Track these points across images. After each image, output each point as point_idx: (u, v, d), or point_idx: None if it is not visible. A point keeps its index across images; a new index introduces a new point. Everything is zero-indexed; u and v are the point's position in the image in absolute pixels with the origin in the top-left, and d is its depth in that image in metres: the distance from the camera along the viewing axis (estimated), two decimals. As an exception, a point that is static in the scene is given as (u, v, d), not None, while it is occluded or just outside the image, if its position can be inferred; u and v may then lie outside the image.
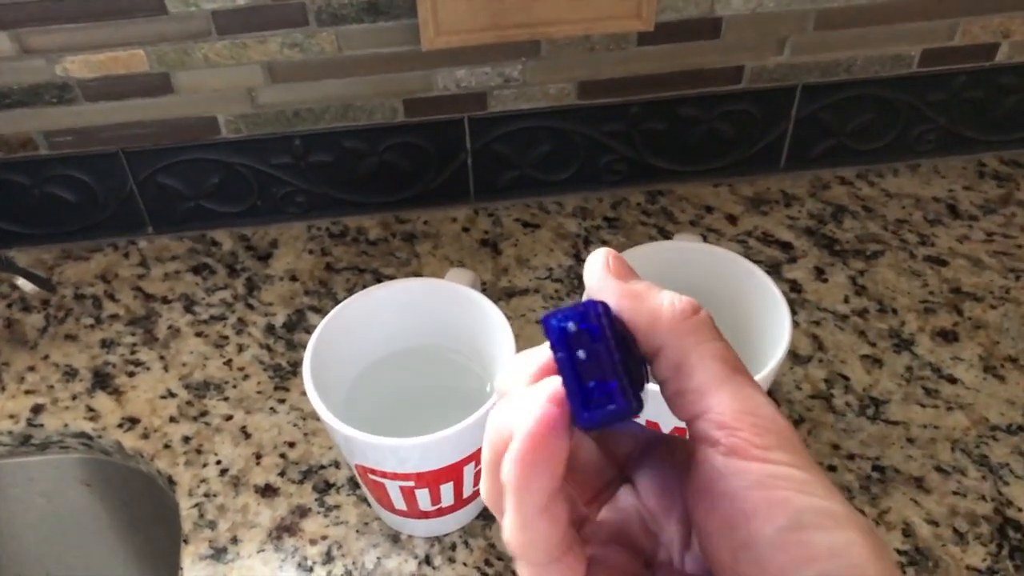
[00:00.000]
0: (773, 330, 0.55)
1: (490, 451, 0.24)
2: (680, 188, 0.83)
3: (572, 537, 0.24)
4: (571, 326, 0.23)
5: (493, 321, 0.57)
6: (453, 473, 0.54)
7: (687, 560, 0.26)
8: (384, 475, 0.54)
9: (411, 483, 0.54)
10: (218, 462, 0.65)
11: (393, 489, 0.55)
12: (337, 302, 0.75)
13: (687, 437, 0.25)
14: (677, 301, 0.25)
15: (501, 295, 0.75)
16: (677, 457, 0.27)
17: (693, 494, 0.24)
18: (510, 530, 0.23)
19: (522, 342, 0.69)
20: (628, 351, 0.24)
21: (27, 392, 0.70)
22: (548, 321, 0.23)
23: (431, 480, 0.54)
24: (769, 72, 0.77)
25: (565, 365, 0.23)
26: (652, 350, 0.24)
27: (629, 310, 0.25)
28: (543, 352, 0.24)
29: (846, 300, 0.74)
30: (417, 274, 0.77)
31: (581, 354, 0.23)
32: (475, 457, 0.55)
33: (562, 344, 0.23)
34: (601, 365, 0.23)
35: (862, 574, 0.22)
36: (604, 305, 0.24)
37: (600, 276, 0.26)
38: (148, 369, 0.71)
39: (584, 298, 0.26)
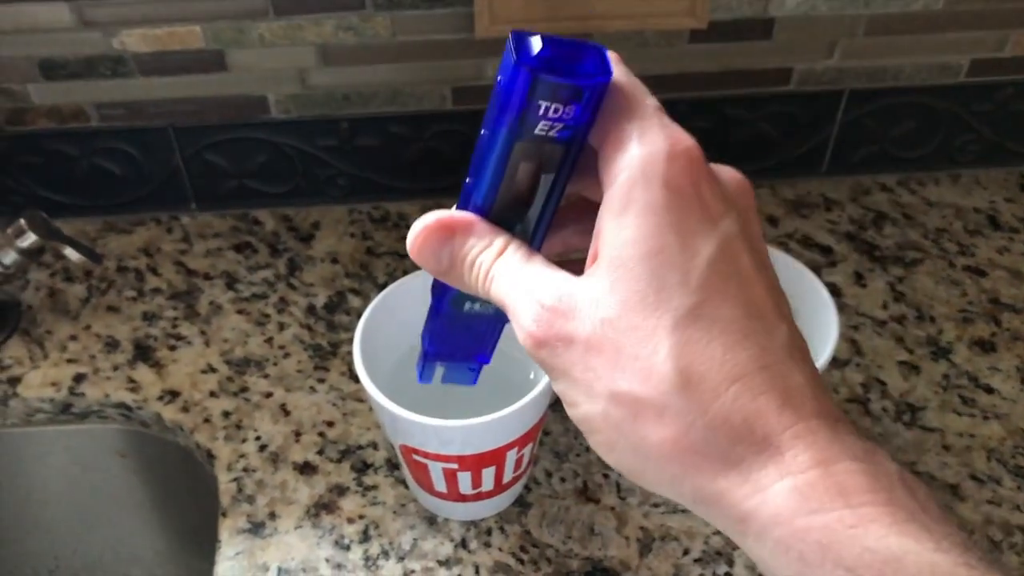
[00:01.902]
0: (822, 331, 0.55)
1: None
2: (721, 188, 0.83)
3: None
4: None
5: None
6: (496, 458, 0.55)
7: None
8: (427, 456, 0.54)
9: (454, 465, 0.55)
10: (257, 438, 0.66)
11: (435, 471, 0.56)
12: (377, 286, 0.75)
13: None
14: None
15: (541, 286, 0.75)
16: None
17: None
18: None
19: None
20: None
21: (69, 361, 0.71)
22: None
23: (474, 463, 0.55)
24: (817, 75, 0.78)
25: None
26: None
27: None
28: None
29: (884, 306, 0.74)
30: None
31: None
32: (518, 443, 0.55)
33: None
34: None
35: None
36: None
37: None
38: (189, 343, 0.72)
39: None
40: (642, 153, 0.26)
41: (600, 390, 0.27)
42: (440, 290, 0.34)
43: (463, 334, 0.36)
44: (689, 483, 0.26)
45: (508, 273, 0.29)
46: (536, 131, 0.28)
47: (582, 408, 0.28)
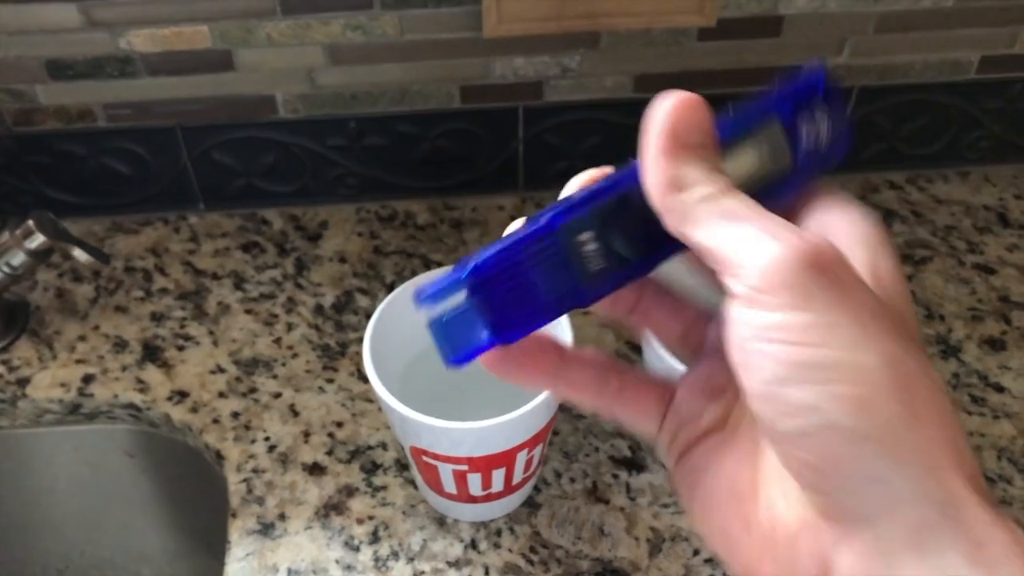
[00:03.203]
0: None
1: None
2: (729, 186, 0.82)
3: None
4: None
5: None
6: (506, 459, 0.55)
7: None
8: (437, 457, 0.54)
9: (464, 467, 0.55)
10: (266, 439, 0.66)
11: (445, 472, 0.56)
12: (385, 286, 0.75)
13: None
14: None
15: (549, 285, 0.75)
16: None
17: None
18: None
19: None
20: None
21: (77, 362, 0.71)
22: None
23: (483, 465, 0.55)
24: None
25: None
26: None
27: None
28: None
29: (894, 304, 0.74)
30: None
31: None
32: (527, 444, 0.55)
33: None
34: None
35: (838, 431, 0.22)
36: None
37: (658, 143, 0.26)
38: (198, 344, 0.72)
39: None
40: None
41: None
42: (572, 203, 0.26)
43: (535, 281, 0.26)
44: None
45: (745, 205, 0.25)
46: None
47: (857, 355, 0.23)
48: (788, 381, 0.22)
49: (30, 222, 0.68)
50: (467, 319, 0.26)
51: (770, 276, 0.23)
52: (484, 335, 0.26)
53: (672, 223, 0.25)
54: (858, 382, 0.22)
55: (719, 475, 0.27)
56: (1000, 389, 0.68)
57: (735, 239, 0.24)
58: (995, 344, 0.71)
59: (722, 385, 0.29)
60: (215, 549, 0.76)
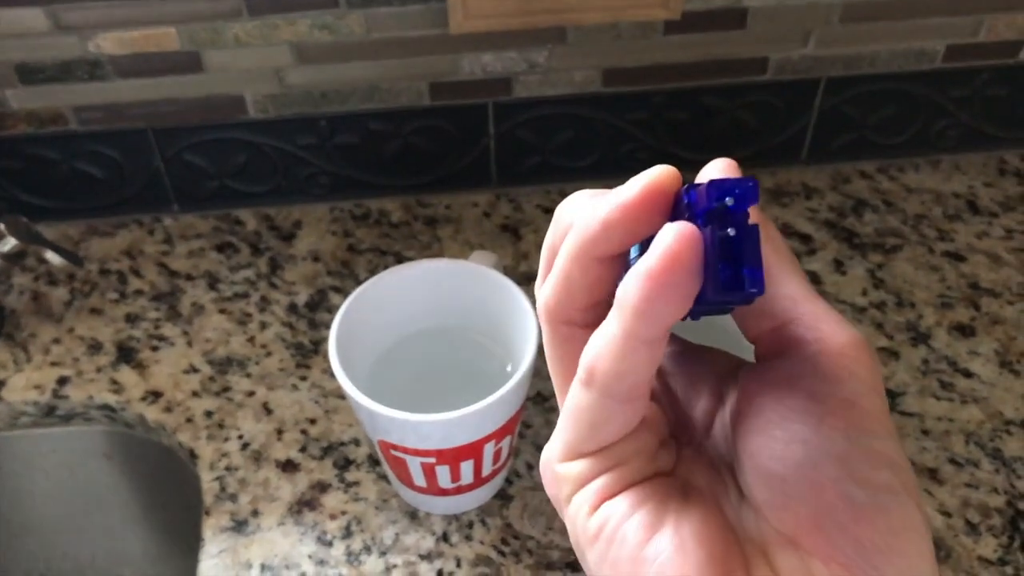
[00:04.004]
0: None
1: (563, 235, 0.24)
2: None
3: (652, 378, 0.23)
4: (728, 201, 0.21)
5: (517, 304, 0.58)
6: (473, 451, 0.55)
7: (704, 448, 0.26)
8: (406, 451, 0.55)
9: (432, 460, 0.55)
10: (240, 437, 0.66)
11: (414, 465, 0.56)
12: (359, 283, 0.76)
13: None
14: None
15: (521, 280, 0.76)
16: (706, 356, 0.27)
17: (766, 384, 0.23)
18: (602, 355, 0.22)
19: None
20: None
21: (52, 364, 0.71)
22: (695, 192, 0.22)
23: (451, 457, 0.55)
24: (794, 64, 0.78)
25: (709, 241, 0.21)
26: None
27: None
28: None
29: (864, 293, 0.75)
30: (438, 258, 0.78)
31: (730, 231, 0.21)
32: (495, 436, 0.55)
33: (712, 218, 0.21)
34: (747, 247, 0.21)
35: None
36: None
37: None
38: (172, 344, 0.72)
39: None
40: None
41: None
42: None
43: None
44: None
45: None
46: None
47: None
48: (872, 453, 0.22)
49: (2, 226, 0.68)
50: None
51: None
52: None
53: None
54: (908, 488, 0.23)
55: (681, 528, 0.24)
56: (969, 375, 0.69)
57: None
58: (964, 330, 0.72)
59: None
60: (194, 549, 0.77)
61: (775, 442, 0.23)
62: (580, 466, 0.25)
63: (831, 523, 0.22)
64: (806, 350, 0.23)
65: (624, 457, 0.25)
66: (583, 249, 0.23)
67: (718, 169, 0.23)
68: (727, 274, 0.21)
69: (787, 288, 0.24)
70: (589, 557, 0.25)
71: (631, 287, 0.20)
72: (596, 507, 0.25)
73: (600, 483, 0.25)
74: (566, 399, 0.25)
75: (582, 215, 0.23)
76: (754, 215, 0.24)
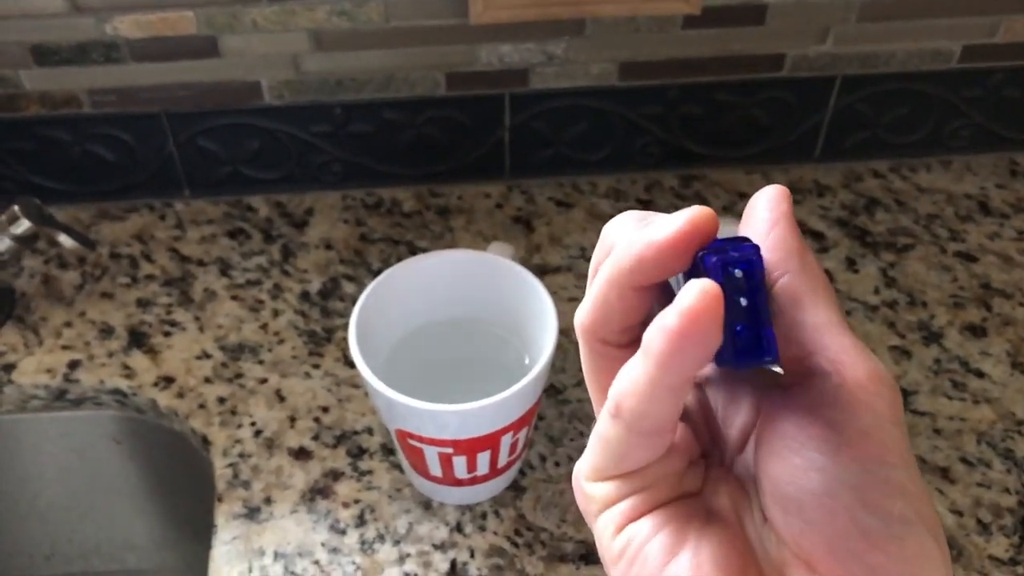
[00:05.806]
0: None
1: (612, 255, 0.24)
2: (714, 173, 0.83)
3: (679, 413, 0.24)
4: (737, 273, 0.22)
5: (535, 296, 0.58)
6: (491, 442, 0.55)
7: (736, 464, 0.27)
8: (423, 440, 0.55)
9: (449, 450, 0.55)
10: (252, 423, 0.66)
11: (431, 455, 0.56)
12: (371, 272, 0.76)
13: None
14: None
15: (534, 272, 0.76)
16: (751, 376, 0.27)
17: (788, 410, 0.24)
18: (627, 393, 0.22)
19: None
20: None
21: (64, 347, 0.71)
22: (709, 260, 0.22)
23: (468, 448, 0.55)
24: (810, 61, 0.78)
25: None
26: (772, 279, 0.24)
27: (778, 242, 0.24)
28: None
29: (876, 291, 0.75)
30: (451, 248, 0.77)
31: (742, 301, 0.22)
32: (513, 427, 0.55)
33: (723, 286, 0.22)
34: (757, 312, 0.22)
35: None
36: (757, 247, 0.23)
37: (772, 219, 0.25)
38: (184, 330, 0.72)
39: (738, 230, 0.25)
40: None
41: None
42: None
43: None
44: None
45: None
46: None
47: None
48: (893, 482, 0.23)
49: (15, 208, 0.68)
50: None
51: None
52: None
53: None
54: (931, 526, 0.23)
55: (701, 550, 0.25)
56: (980, 375, 0.69)
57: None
58: (976, 331, 0.72)
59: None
60: (202, 536, 0.77)
61: (793, 468, 0.23)
62: (606, 488, 0.26)
63: (845, 550, 0.22)
64: (828, 381, 0.23)
65: (650, 481, 0.25)
66: (618, 279, 0.24)
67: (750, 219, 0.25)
68: (734, 336, 0.22)
69: (816, 317, 0.24)
70: (613, 575, 0.26)
71: (654, 338, 0.21)
72: (621, 528, 0.25)
73: (625, 505, 0.25)
74: (597, 422, 0.25)
75: (621, 244, 0.24)
76: (789, 238, 0.24)
